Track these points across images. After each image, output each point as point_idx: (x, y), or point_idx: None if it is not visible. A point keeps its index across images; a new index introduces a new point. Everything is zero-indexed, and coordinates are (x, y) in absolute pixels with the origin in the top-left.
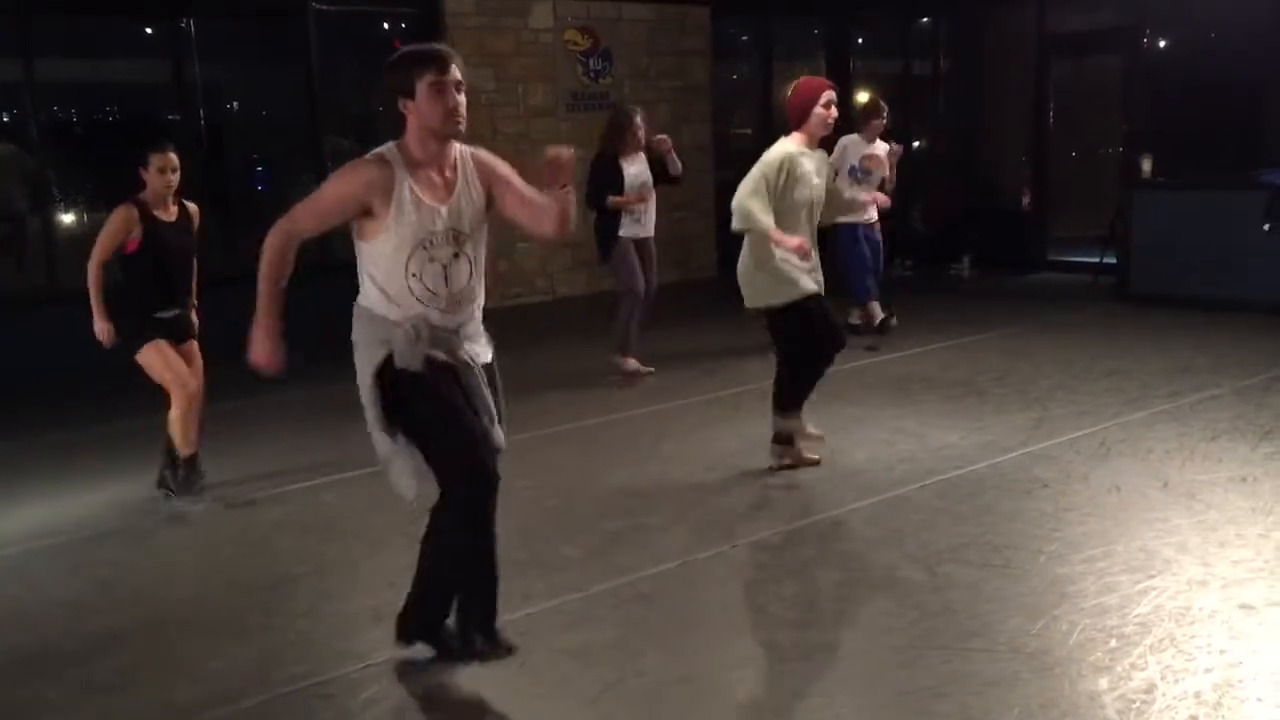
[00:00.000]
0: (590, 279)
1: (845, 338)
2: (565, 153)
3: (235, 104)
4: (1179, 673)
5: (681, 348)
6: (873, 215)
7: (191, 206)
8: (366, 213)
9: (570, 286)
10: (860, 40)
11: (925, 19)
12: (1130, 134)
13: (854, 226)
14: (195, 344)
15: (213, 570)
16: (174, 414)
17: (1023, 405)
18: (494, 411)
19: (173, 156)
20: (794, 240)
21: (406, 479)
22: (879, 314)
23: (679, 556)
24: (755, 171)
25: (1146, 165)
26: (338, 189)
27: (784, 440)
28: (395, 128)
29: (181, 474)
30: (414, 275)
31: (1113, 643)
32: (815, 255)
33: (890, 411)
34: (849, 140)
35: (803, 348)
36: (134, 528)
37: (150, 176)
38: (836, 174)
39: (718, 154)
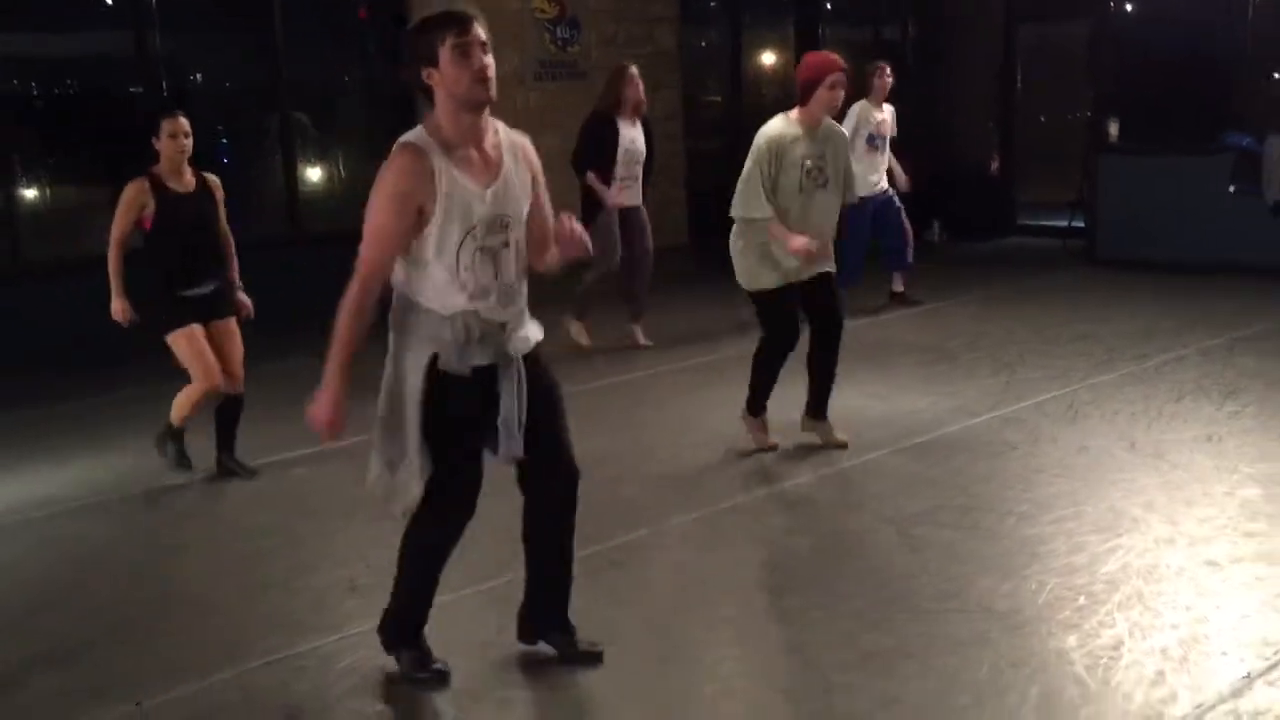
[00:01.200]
0: None
1: (842, 319)
2: (580, 233)
3: (198, 75)
4: (1146, 629)
5: (654, 316)
6: (885, 183)
7: (212, 178)
8: (419, 212)
9: None
10: (829, 6)
11: None
12: (1097, 99)
13: (863, 199)
14: (231, 324)
15: (185, 545)
16: (187, 391)
17: (993, 369)
18: (518, 417)
19: (183, 121)
20: (796, 241)
21: (416, 484)
22: (896, 289)
23: (652, 524)
24: (748, 161)
25: (1114, 130)
26: (387, 202)
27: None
28: (368, 102)
29: (170, 444)
30: (466, 268)
31: (1081, 600)
32: (828, 245)
33: (862, 376)
34: (860, 107)
35: (781, 337)
36: (103, 503)
37: (163, 144)
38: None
39: (688, 121)
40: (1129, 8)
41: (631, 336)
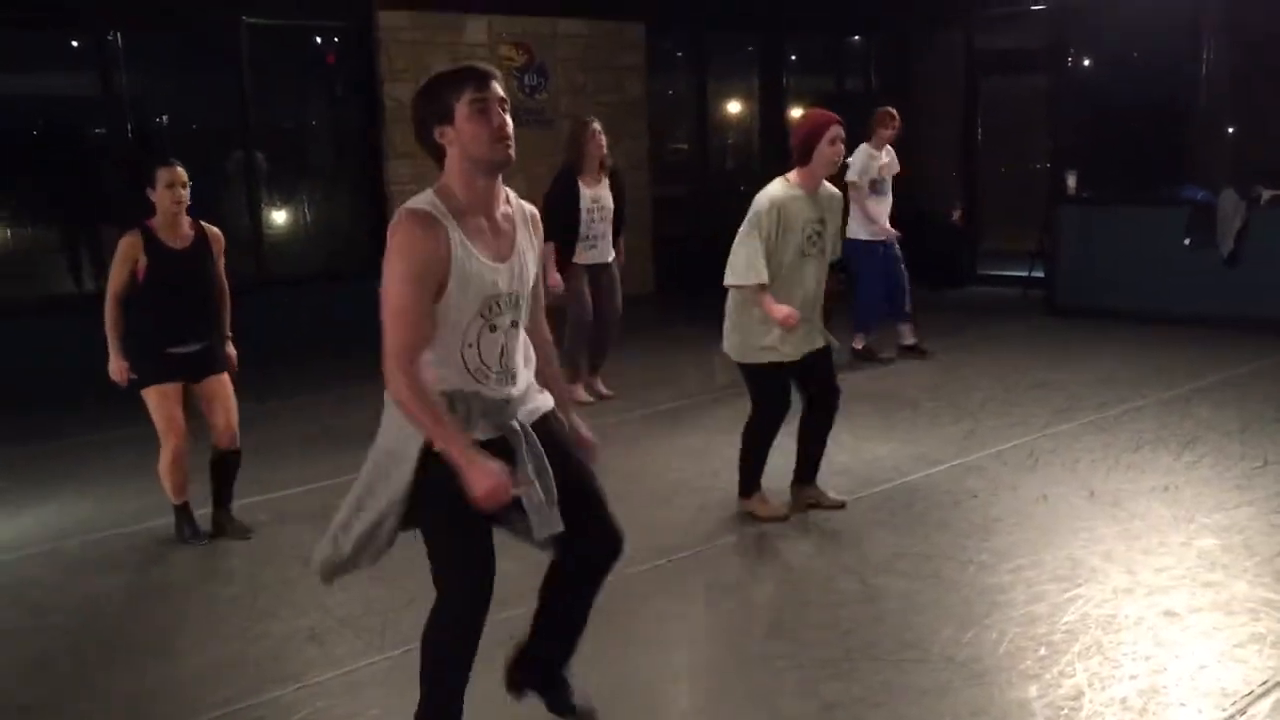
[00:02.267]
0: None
1: (839, 390)
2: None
3: (165, 117)
4: (1105, 679)
5: (620, 364)
6: (891, 229)
7: (212, 230)
8: (440, 285)
9: None
10: (794, 57)
11: (857, 37)
12: (1056, 151)
13: (874, 244)
14: (223, 379)
15: (141, 592)
16: (161, 463)
17: (954, 417)
18: (547, 490)
19: (180, 171)
20: (782, 311)
21: (348, 543)
22: (905, 343)
23: (612, 572)
24: (745, 227)
25: (1072, 181)
26: (407, 285)
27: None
28: (335, 145)
29: (177, 521)
30: (469, 346)
31: (1042, 650)
32: (817, 313)
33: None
34: (866, 150)
35: (773, 410)
36: (60, 550)
37: (158, 196)
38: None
39: (653, 169)
40: (1087, 62)
41: (591, 388)
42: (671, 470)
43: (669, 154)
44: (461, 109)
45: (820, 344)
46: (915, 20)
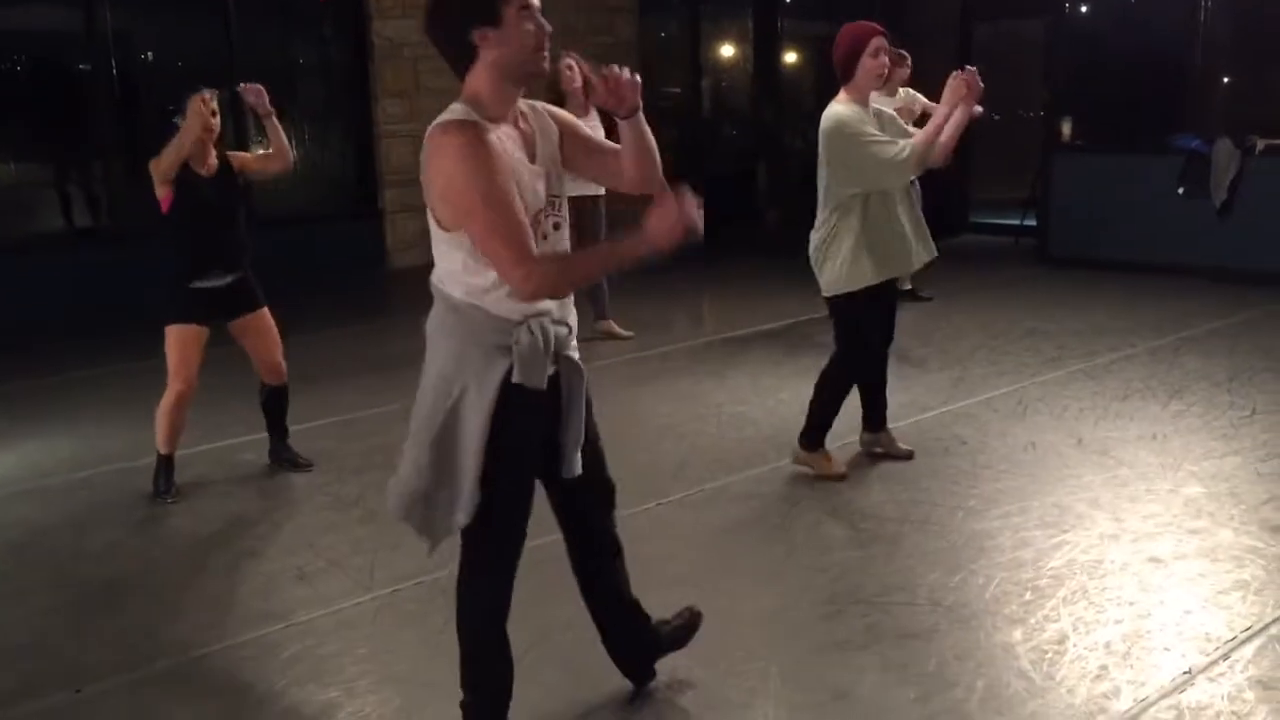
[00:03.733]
0: None
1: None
2: (624, 73)
3: (150, 54)
4: (1090, 624)
5: (618, 305)
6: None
7: (238, 155)
8: None
9: None
10: (787, 0)
11: None
12: (1052, 98)
13: None
14: (261, 314)
15: (127, 532)
16: (163, 402)
17: (944, 365)
18: (579, 433)
19: (211, 100)
20: (957, 80)
21: (462, 514)
22: (903, 287)
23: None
24: (838, 146)
25: (1066, 129)
26: (496, 182)
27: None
28: (324, 83)
29: (157, 470)
30: None
31: (1027, 595)
32: (920, 225)
33: (816, 369)
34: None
35: (862, 350)
36: (46, 488)
37: (189, 122)
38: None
39: (646, 111)
40: (1084, 9)
41: (608, 330)
42: (660, 415)
43: (661, 97)
44: (511, 12)
45: (926, 258)
46: None
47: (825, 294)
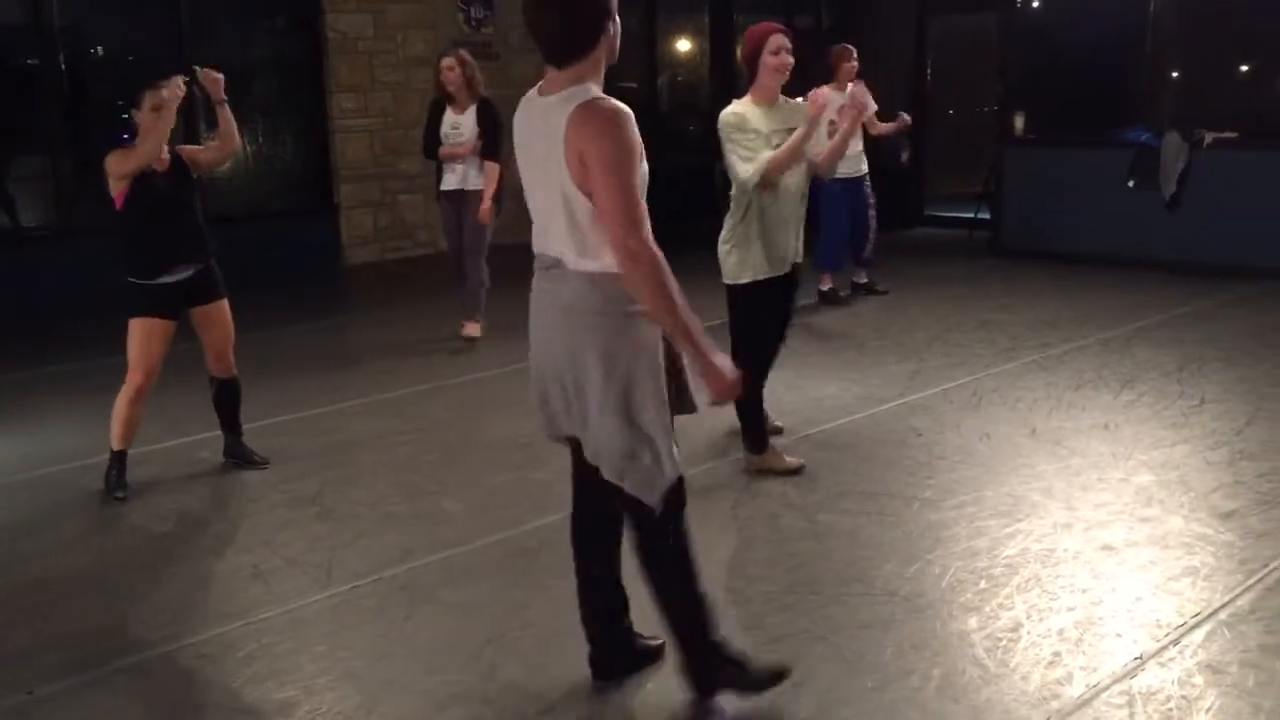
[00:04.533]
0: None
1: (786, 332)
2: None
3: (99, 49)
4: (1043, 611)
5: None
6: (862, 168)
7: (186, 149)
8: None
9: None
10: None
11: None
12: (1005, 93)
13: (837, 184)
14: (220, 306)
15: (83, 529)
16: (121, 396)
17: (900, 357)
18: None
19: (166, 93)
20: (815, 101)
21: (669, 464)
22: (858, 280)
23: (563, 509)
24: (721, 140)
25: (1019, 123)
26: (638, 163)
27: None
28: (279, 78)
29: (110, 467)
30: None
31: (982, 584)
32: (796, 229)
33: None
34: (825, 94)
35: (762, 338)
36: (1, 486)
37: (144, 117)
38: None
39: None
40: (1036, 4)
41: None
42: None
43: (617, 92)
44: (615, 13)
45: (796, 260)
46: None
47: (725, 282)
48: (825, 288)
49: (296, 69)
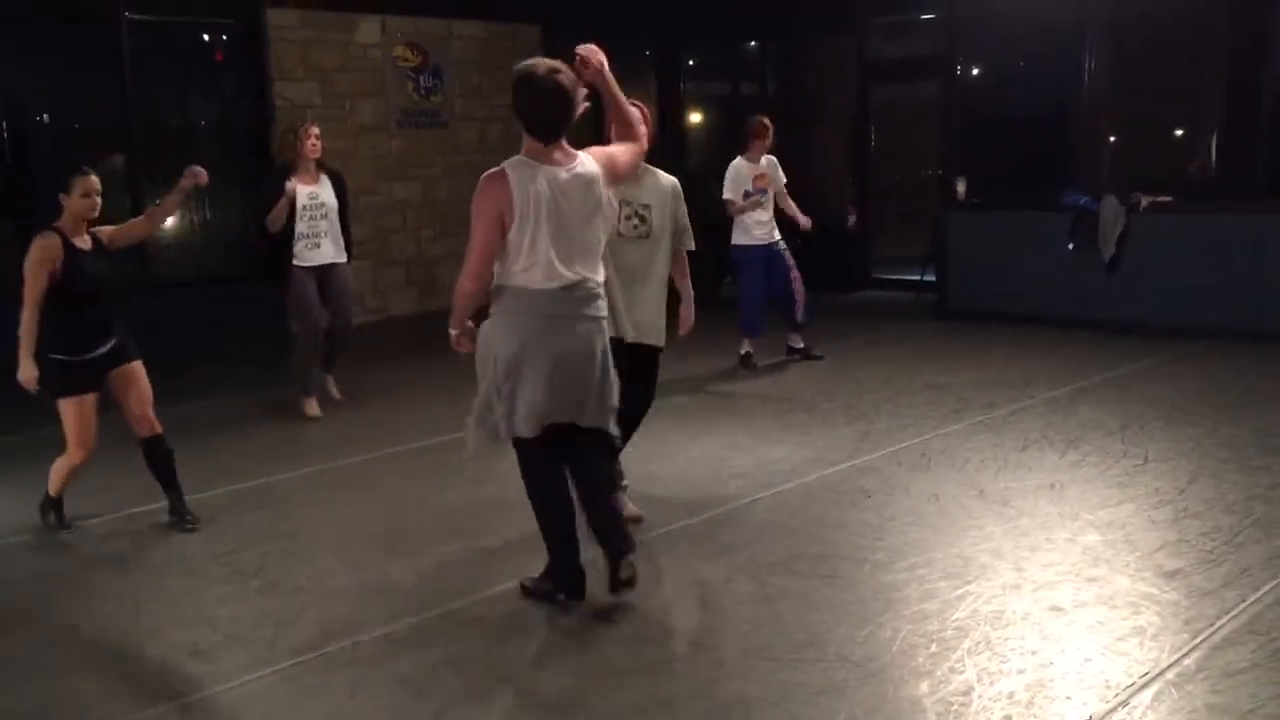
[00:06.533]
0: (422, 296)
1: (646, 406)
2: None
3: (44, 116)
4: (994, 674)
5: None
6: (776, 234)
7: (103, 231)
8: None
9: (402, 305)
10: (690, 62)
11: (752, 43)
12: (947, 157)
13: (749, 248)
14: (135, 367)
15: (19, 607)
16: (63, 461)
17: (849, 419)
18: None
19: (95, 180)
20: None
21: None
22: (794, 345)
23: (514, 578)
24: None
25: (961, 187)
26: None
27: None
28: (225, 145)
29: (50, 511)
30: None
31: (933, 647)
32: (641, 300)
33: (722, 426)
34: (737, 165)
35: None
36: None
37: (73, 202)
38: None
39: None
40: (975, 71)
41: (329, 394)
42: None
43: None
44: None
45: (645, 339)
46: (808, 27)
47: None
48: (741, 351)
49: (243, 136)
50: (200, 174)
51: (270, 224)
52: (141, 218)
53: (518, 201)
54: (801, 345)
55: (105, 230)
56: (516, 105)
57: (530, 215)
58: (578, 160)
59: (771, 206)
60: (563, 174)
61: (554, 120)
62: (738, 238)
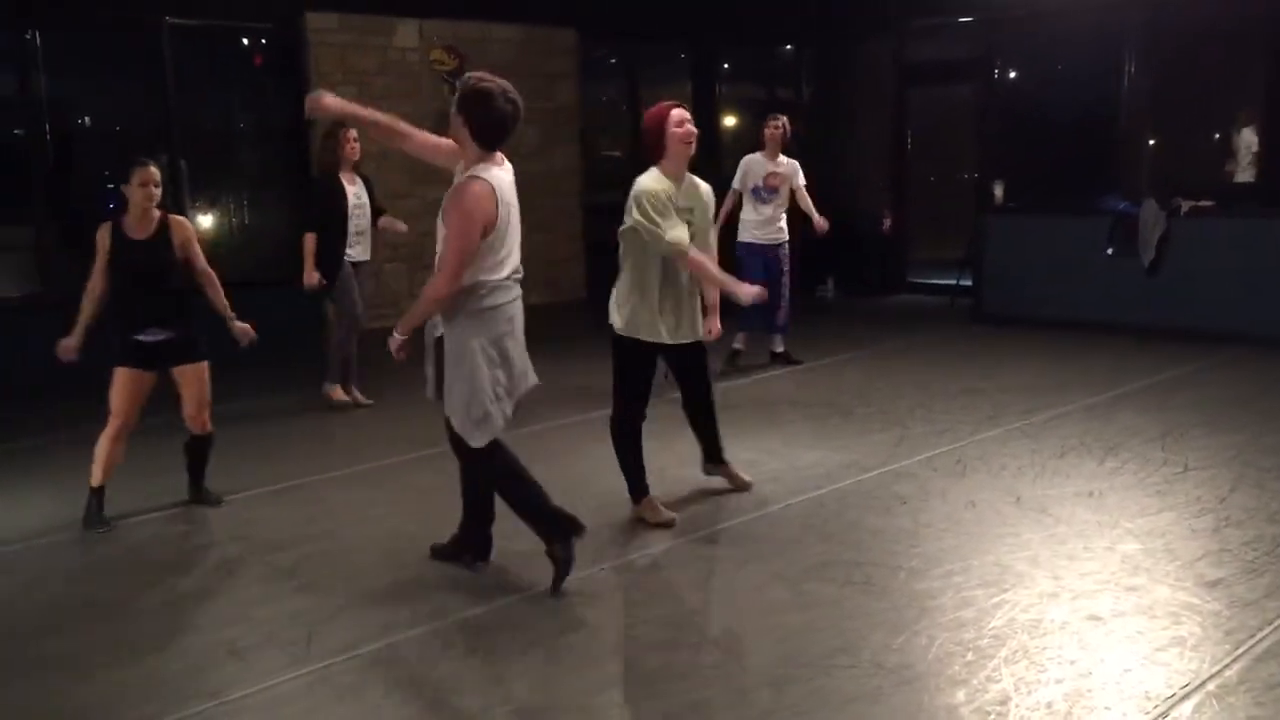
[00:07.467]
0: None
1: (710, 396)
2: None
3: (86, 119)
4: (1031, 684)
5: (548, 369)
6: (779, 237)
7: (176, 221)
8: None
9: None
10: (726, 66)
11: (789, 47)
12: (984, 161)
13: (754, 248)
14: (197, 368)
15: (56, 605)
16: (103, 435)
17: (884, 425)
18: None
19: (154, 171)
20: (747, 290)
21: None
22: (775, 350)
23: (546, 580)
24: (634, 215)
25: (999, 191)
26: None
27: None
28: (262, 146)
29: (89, 503)
30: None
31: (969, 656)
32: (687, 303)
33: (755, 431)
34: (750, 159)
35: (634, 400)
36: None
37: (132, 191)
38: (741, 195)
39: (585, 176)
40: (1013, 74)
41: (352, 396)
42: (602, 479)
43: (601, 161)
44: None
45: (692, 337)
46: (845, 31)
47: (616, 332)
48: (734, 346)
49: (282, 139)
50: (249, 334)
51: (305, 281)
52: (206, 266)
53: (501, 209)
54: (782, 349)
55: (185, 232)
56: (472, 116)
57: (504, 218)
58: (505, 161)
59: (784, 209)
60: (507, 176)
61: (505, 134)
62: (740, 234)
